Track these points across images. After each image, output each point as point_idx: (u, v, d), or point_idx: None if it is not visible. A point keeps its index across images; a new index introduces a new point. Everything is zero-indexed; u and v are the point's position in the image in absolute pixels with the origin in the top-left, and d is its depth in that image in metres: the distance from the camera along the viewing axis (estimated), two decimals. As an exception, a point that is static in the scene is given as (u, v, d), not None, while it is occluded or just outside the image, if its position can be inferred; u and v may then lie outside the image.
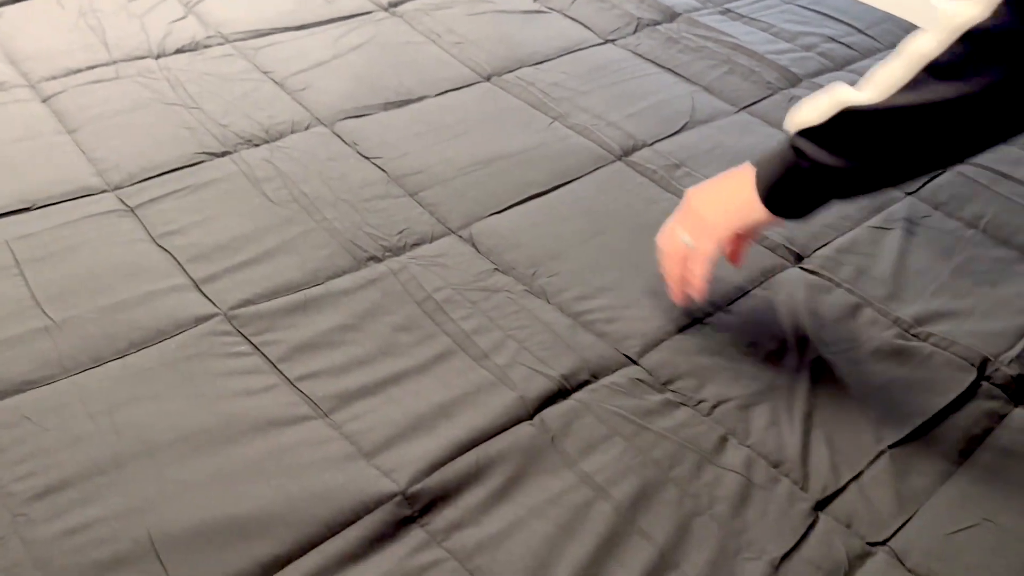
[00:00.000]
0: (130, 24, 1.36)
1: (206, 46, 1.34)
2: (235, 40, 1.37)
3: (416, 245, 1.02)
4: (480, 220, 1.06)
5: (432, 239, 1.03)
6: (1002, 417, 0.87)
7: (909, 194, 1.19)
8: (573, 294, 0.96)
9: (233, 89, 1.24)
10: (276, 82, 1.28)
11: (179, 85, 1.23)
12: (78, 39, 1.30)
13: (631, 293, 0.97)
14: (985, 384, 0.90)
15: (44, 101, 1.17)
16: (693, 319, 0.94)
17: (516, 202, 1.10)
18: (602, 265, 1.01)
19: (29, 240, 0.93)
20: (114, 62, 1.26)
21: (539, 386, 0.83)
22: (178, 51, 1.32)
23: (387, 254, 0.99)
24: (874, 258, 1.06)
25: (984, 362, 0.92)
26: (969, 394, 0.88)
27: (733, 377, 0.88)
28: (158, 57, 1.30)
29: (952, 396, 0.88)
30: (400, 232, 1.03)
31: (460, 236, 1.04)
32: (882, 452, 0.81)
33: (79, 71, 1.23)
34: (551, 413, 0.81)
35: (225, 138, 1.14)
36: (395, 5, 1.54)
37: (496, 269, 0.99)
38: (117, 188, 1.04)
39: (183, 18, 1.40)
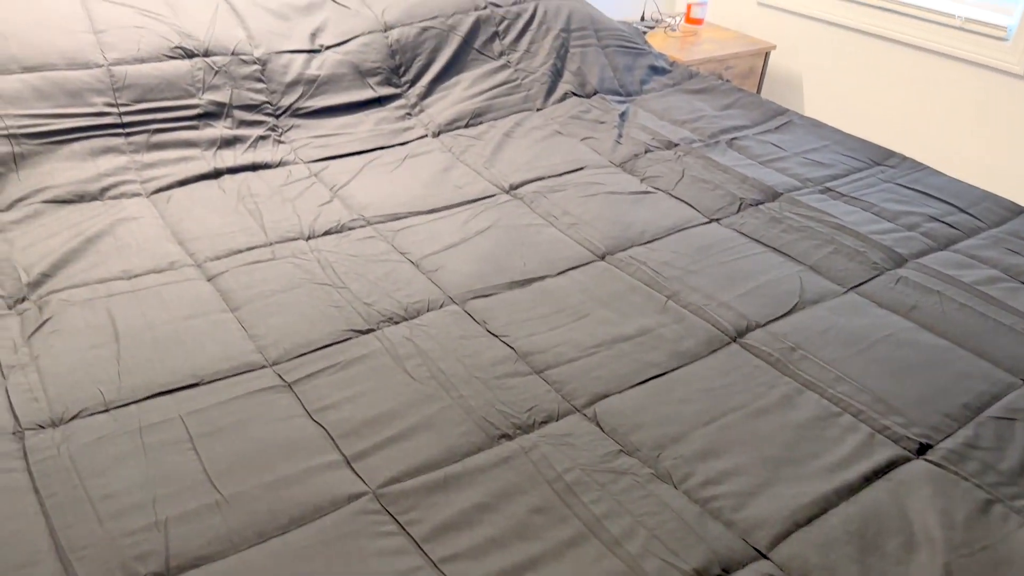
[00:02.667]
0: (283, 208, 1.52)
1: (350, 228, 1.49)
2: (376, 223, 1.51)
3: (544, 423, 1.08)
4: (603, 399, 1.12)
5: (559, 417, 1.09)
6: None
7: (1028, 381, 1.19)
8: (699, 479, 1.00)
9: (375, 269, 1.36)
10: (412, 263, 1.40)
11: (328, 266, 1.36)
12: (238, 222, 1.47)
13: (755, 479, 1.00)
14: None
15: (210, 280, 1.32)
16: (818, 509, 0.96)
17: (637, 382, 1.15)
18: (725, 449, 1.04)
19: (200, 415, 1.03)
20: (270, 244, 1.41)
21: (671, 577, 0.86)
22: (326, 233, 1.47)
23: (518, 432, 1.06)
24: (1001, 452, 1.06)
25: None
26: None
27: (862, 572, 0.88)
28: (308, 239, 1.45)
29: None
30: (529, 410, 1.09)
31: (585, 415, 1.10)
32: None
33: (240, 252, 1.39)
34: (685, 606, 0.84)
35: (369, 316, 1.25)
36: (515, 188, 1.68)
37: (622, 450, 1.04)
38: (275, 364, 1.15)
39: (329, 202, 1.56)
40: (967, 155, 2.48)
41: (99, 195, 1.50)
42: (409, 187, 1.64)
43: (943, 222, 1.65)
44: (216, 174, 1.62)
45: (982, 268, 1.49)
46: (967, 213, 1.69)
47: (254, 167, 1.66)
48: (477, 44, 2.05)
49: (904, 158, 1.92)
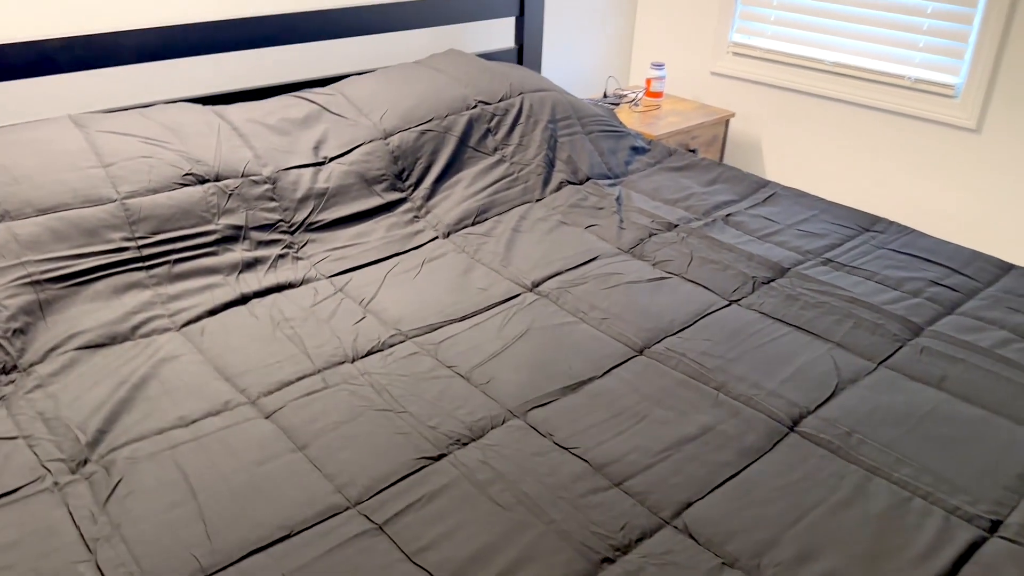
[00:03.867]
0: (321, 330, 1.52)
1: (391, 345, 1.49)
2: (414, 336, 1.52)
3: (640, 540, 1.09)
4: (689, 508, 1.14)
5: (652, 532, 1.11)
6: None
7: (1071, 445, 1.27)
8: (803, 584, 1.02)
9: (430, 388, 1.37)
10: (463, 376, 1.41)
11: (383, 389, 1.36)
12: (281, 350, 1.46)
13: (855, 574, 1.03)
14: None
15: (268, 418, 1.30)
16: (923, 603, 1.00)
17: (716, 486, 1.18)
18: (819, 550, 1.07)
19: (304, 572, 1.02)
20: (319, 371, 1.41)
21: None
22: (369, 353, 1.47)
23: (617, 553, 1.07)
24: (1069, 522, 1.12)
25: None
26: None
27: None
28: (354, 360, 1.44)
29: None
30: (622, 528, 1.11)
31: (676, 527, 1.12)
32: None
33: (291, 383, 1.37)
34: None
35: (437, 440, 1.25)
36: (538, 285, 1.71)
37: (723, 563, 1.06)
38: (358, 503, 1.14)
39: (363, 319, 1.57)
40: (929, 208, 2.63)
41: (130, 334, 1.47)
42: (435, 294, 1.65)
43: (943, 285, 1.74)
44: (243, 300, 1.60)
45: (992, 329, 1.58)
46: (962, 274, 1.79)
47: (279, 288, 1.65)
48: (472, 142, 2.10)
49: (890, 223, 2.03)
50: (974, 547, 1.09)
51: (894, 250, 1.90)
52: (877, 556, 1.07)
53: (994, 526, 1.13)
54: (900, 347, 1.53)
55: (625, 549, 1.08)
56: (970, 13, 2.41)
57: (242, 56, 2.20)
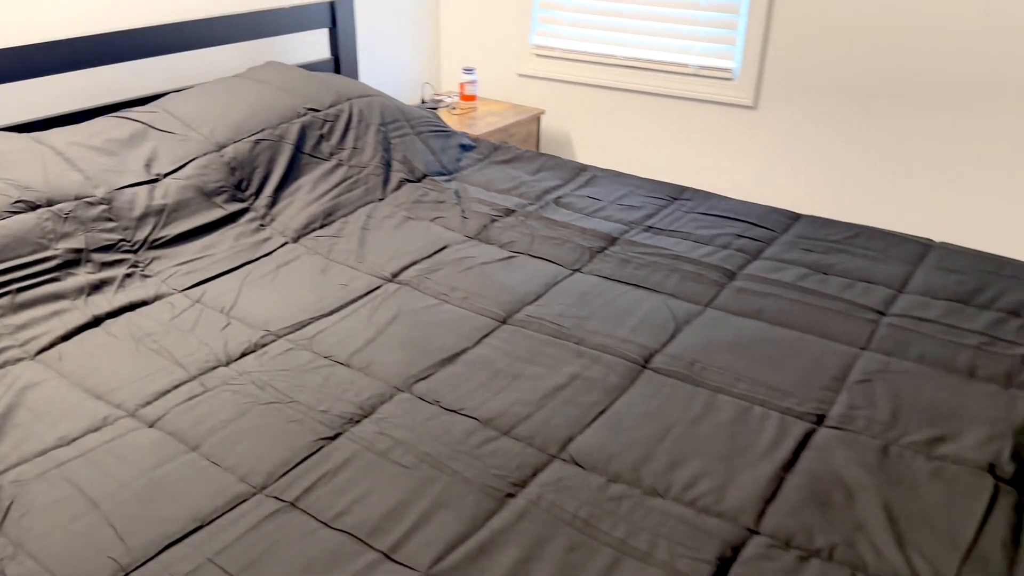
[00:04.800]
0: (187, 340, 1.51)
1: (263, 345, 1.52)
2: (285, 335, 1.55)
3: (534, 475, 1.21)
4: (571, 442, 1.27)
5: (544, 467, 1.22)
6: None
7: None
8: (679, 487, 1.18)
9: (313, 378, 1.41)
10: (342, 363, 1.46)
11: (265, 385, 1.39)
12: (149, 363, 1.44)
13: (720, 475, 1.20)
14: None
15: (152, 426, 1.29)
16: (775, 484, 1.18)
17: (590, 421, 1.32)
18: (685, 457, 1.24)
19: (228, 553, 1.04)
20: (195, 377, 1.41)
21: (705, 573, 1.03)
22: (243, 354, 1.48)
23: (517, 488, 1.18)
24: (874, 407, 1.36)
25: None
26: (991, 491, 1.17)
27: (827, 522, 1.11)
28: (228, 364, 1.46)
29: (982, 495, 1.15)
30: (517, 468, 1.22)
31: (563, 460, 1.24)
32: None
33: (168, 391, 1.37)
34: (722, 586, 1.01)
35: (331, 422, 1.30)
36: (397, 275, 1.79)
37: (609, 480, 1.19)
38: (264, 488, 1.17)
39: (228, 324, 1.57)
40: (724, 174, 2.96)
41: (-20, 368, 1.40)
42: (298, 294, 1.69)
43: (747, 237, 2.00)
44: (96, 322, 1.56)
45: (792, 267, 1.85)
46: (761, 226, 2.06)
47: (132, 307, 1.62)
48: (307, 149, 2.14)
49: (695, 191, 2.29)
50: (808, 436, 1.30)
51: (702, 213, 2.14)
52: (732, 455, 1.25)
53: (820, 419, 1.35)
54: (720, 290, 1.75)
55: (524, 484, 1.19)
56: (737, 4, 2.75)
57: (51, 81, 2.11)
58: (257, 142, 2.05)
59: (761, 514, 1.14)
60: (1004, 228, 2.52)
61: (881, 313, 1.66)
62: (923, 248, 1.94)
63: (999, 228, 2.52)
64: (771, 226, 2.07)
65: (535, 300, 1.70)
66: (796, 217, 2.12)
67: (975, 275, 1.80)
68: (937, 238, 2.61)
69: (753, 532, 1.11)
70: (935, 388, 1.42)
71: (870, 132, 2.64)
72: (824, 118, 2.71)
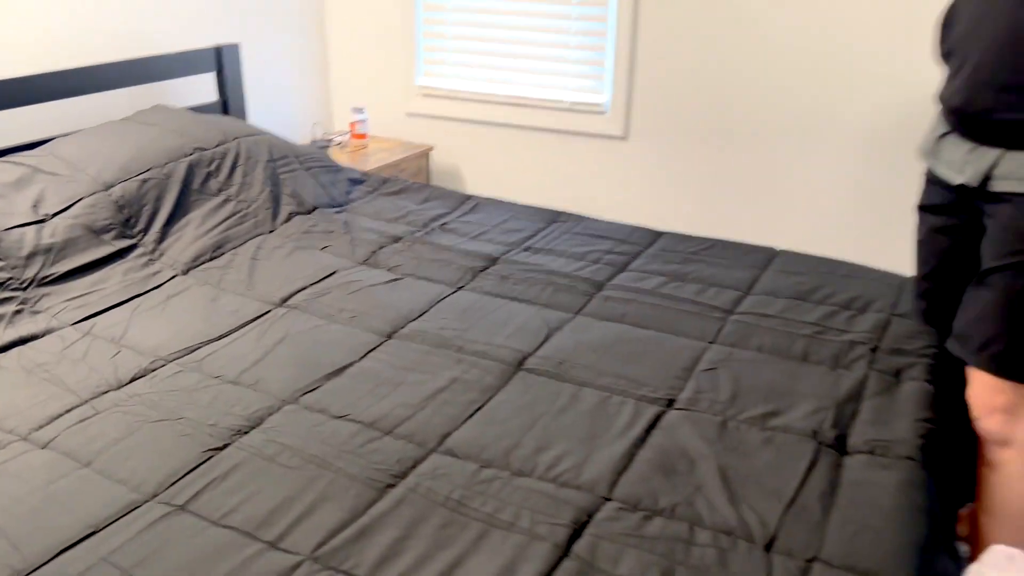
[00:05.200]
0: (77, 368, 1.56)
1: (153, 369, 1.58)
2: (175, 359, 1.62)
3: (413, 467, 1.32)
4: (448, 437, 1.39)
5: (422, 460, 1.34)
6: (834, 459, 1.33)
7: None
8: (543, 467, 1.31)
9: (202, 397, 1.49)
10: (231, 382, 1.54)
11: (155, 405, 1.45)
12: (40, 391, 1.49)
13: (579, 454, 1.34)
14: (816, 443, 1.37)
15: (45, 448, 1.34)
16: (628, 458, 1.33)
17: (467, 418, 1.45)
18: (550, 442, 1.38)
19: (121, 552, 1.11)
20: (86, 401, 1.46)
21: (561, 535, 1.16)
22: (134, 379, 1.54)
23: (397, 479, 1.29)
24: (716, 391, 1.54)
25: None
26: (811, 451, 1.35)
27: (671, 487, 1.27)
28: (119, 388, 1.52)
29: (802, 455, 1.33)
30: (398, 461, 1.33)
31: (440, 452, 1.36)
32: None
33: (60, 415, 1.42)
34: (579, 547, 1.14)
35: (219, 434, 1.38)
36: (286, 300, 1.88)
37: (481, 466, 1.32)
38: (155, 496, 1.24)
39: (119, 353, 1.63)
40: (598, 199, 3.17)
41: None
42: (188, 322, 1.76)
43: (615, 253, 2.18)
44: (-15, 356, 1.59)
45: (653, 277, 2.03)
46: (627, 243, 2.25)
47: (22, 341, 1.66)
48: (195, 186, 2.21)
49: (570, 215, 2.47)
50: (658, 418, 1.46)
51: (576, 233, 2.32)
52: (592, 437, 1.39)
53: (670, 403, 1.51)
54: (589, 300, 1.92)
55: (403, 475, 1.30)
56: (602, 42, 2.98)
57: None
58: (144, 181, 2.12)
59: (614, 484, 1.28)
60: (839, 236, 2.79)
61: (729, 312, 1.86)
62: (769, 255, 2.16)
63: (835, 236, 2.80)
64: (637, 242, 2.26)
65: (419, 316, 1.82)
66: (659, 234, 2.32)
67: (813, 276, 2.02)
68: (782, 247, 2.86)
69: (606, 499, 1.25)
70: (772, 372, 1.60)
71: (726, 157, 2.89)
72: (686, 146, 2.95)
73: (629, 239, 2.28)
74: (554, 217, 2.44)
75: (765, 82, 2.76)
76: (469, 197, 2.59)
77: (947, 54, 1.52)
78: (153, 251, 2.04)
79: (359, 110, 3.26)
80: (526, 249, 2.21)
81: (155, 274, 1.97)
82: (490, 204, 2.54)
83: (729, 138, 2.87)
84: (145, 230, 2.07)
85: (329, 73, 3.50)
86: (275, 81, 3.21)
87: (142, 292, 1.89)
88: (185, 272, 2.00)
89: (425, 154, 3.31)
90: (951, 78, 1.49)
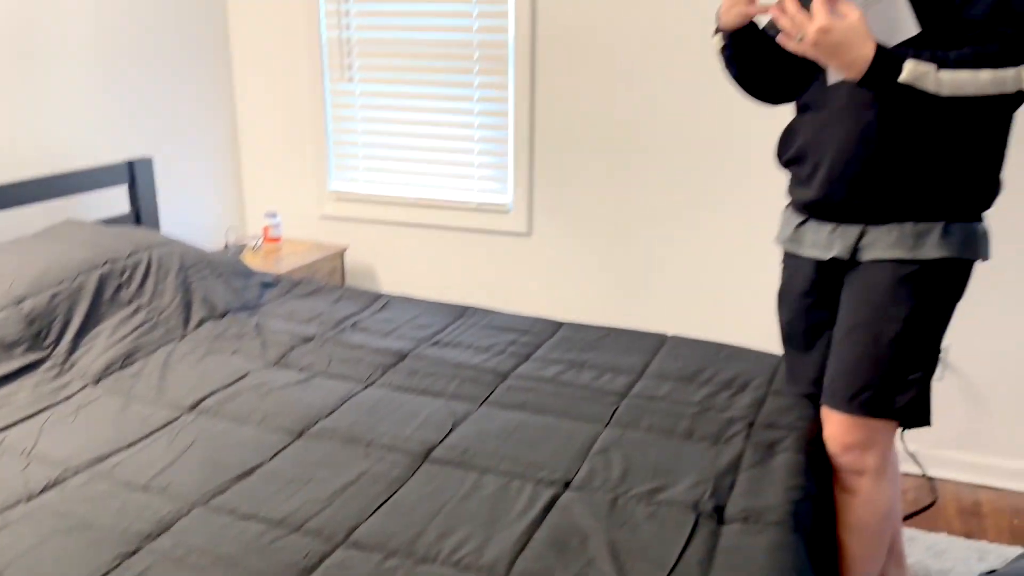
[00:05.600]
0: (-16, 483, 1.58)
1: (63, 480, 1.61)
2: (86, 468, 1.65)
3: (323, 560, 1.38)
4: (356, 530, 1.46)
5: (331, 552, 1.40)
6: (713, 527, 1.46)
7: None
8: (447, 551, 1.40)
9: (111, 503, 1.52)
10: (141, 488, 1.58)
11: (65, 515, 1.48)
12: (-55, 508, 1.49)
13: (482, 536, 1.43)
14: (697, 514, 1.49)
15: (-50, 564, 1.35)
16: (526, 537, 1.42)
17: (375, 510, 1.52)
18: (454, 527, 1.46)
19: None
20: (-5, 515, 1.48)
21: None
22: (44, 490, 1.57)
23: (305, 575, 1.35)
24: (608, 471, 1.65)
25: (691, 502, 1.52)
26: (692, 522, 1.47)
27: (564, 563, 1.36)
28: (29, 500, 1.54)
29: (684, 526, 1.45)
30: (305, 555, 1.39)
31: (347, 546, 1.43)
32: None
33: (-35, 532, 1.43)
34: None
35: (129, 539, 1.41)
36: (196, 406, 1.93)
37: (385, 557, 1.39)
38: (64, 605, 1.27)
39: (28, 465, 1.65)
40: (504, 293, 3.32)
41: None
42: (98, 431, 1.79)
43: (519, 344, 2.32)
44: None
45: (554, 366, 2.16)
46: (531, 333, 2.39)
47: (-74, 458, 1.66)
48: (106, 297, 2.26)
49: (476, 309, 2.60)
50: (555, 499, 1.56)
51: (482, 327, 2.45)
52: (493, 520, 1.48)
53: (566, 484, 1.62)
54: (494, 389, 2.03)
55: (311, 570, 1.36)
56: (503, 148, 3.19)
57: None
58: (55, 295, 2.16)
59: (512, 564, 1.37)
60: (724, 321, 3.01)
61: (622, 395, 2.00)
62: (659, 341, 2.33)
63: (720, 321, 3.01)
64: (539, 333, 2.40)
65: (329, 414, 1.90)
66: (560, 324, 2.47)
67: (698, 358, 2.19)
68: (672, 332, 3.05)
69: (506, 578, 1.34)
70: (659, 450, 1.74)
71: (622, 249, 3.10)
72: (585, 240, 3.15)
73: (532, 330, 2.42)
74: (462, 312, 2.57)
75: (655, 179, 3.00)
76: (380, 296, 2.70)
77: (794, 160, 1.74)
78: (64, 363, 2.07)
79: (272, 215, 3.37)
80: (435, 344, 2.32)
81: (65, 385, 2.00)
82: (401, 302, 2.66)
83: (624, 231, 3.09)
84: (56, 342, 2.10)
85: (242, 179, 3.61)
86: (188, 190, 3.30)
87: (52, 404, 1.92)
88: (96, 382, 2.03)
89: (339, 255, 3.42)
90: (805, 179, 1.70)
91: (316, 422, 1.86)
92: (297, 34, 3.36)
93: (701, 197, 2.95)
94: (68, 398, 1.95)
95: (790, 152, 1.75)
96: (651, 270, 3.09)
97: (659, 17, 2.86)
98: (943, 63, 1.39)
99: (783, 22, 1.43)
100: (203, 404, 1.93)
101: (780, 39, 1.46)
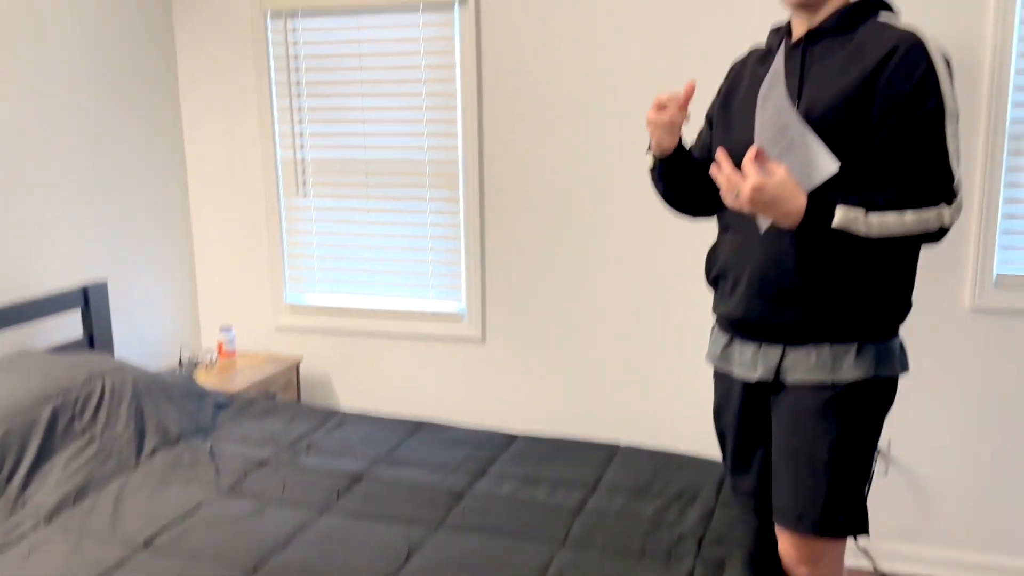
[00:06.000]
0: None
1: (12, 633, 1.58)
2: (35, 619, 1.62)
3: None
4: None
5: None
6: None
7: (560, 545, 1.87)
8: None
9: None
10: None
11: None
12: None
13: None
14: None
15: None
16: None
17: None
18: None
19: None
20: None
21: None
22: (-9, 646, 1.54)
23: None
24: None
25: None
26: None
27: None
28: (-25, 658, 1.51)
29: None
30: None
31: None
32: None
33: None
34: None
35: None
36: (149, 543, 1.92)
37: None
38: None
39: (-25, 618, 1.62)
40: (460, 402, 3.36)
41: None
42: (52, 573, 1.77)
43: (474, 458, 2.35)
44: None
45: (509, 482, 2.20)
46: (485, 448, 2.43)
47: None
48: (59, 430, 2.26)
49: (432, 424, 2.64)
50: (510, 630, 1.58)
51: (437, 443, 2.48)
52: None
53: (521, 613, 1.64)
54: (449, 512, 2.06)
55: None
56: (456, 259, 3.29)
57: None
58: (7, 431, 2.15)
59: None
60: (676, 424, 3.08)
61: (577, 511, 2.04)
62: (611, 451, 2.39)
63: (672, 424, 3.09)
64: (494, 447, 2.44)
65: (284, 547, 1.90)
66: (514, 437, 2.52)
67: (649, 469, 2.25)
68: (625, 437, 3.11)
69: None
70: (613, 569, 1.77)
71: (574, 354, 3.19)
72: (538, 344, 3.23)
73: (487, 444, 2.46)
74: (416, 427, 2.61)
75: (606, 286, 3.11)
76: (335, 413, 2.73)
77: (717, 278, 1.84)
78: (16, 500, 2.05)
79: (227, 329, 3.39)
80: (390, 463, 2.35)
81: (18, 525, 1.97)
82: (355, 419, 2.69)
83: (576, 336, 3.18)
84: (8, 479, 2.08)
85: (198, 293, 3.64)
86: (143, 308, 3.32)
87: (5, 544, 1.89)
88: (48, 520, 2.01)
89: (294, 367, 3.44)
90: (727, 295, 1.80)
91: (271, 556, 1.86)
92: (253, 154, 3.46)
93: (651, 304, 3.07)
94: (21, 538, 1.93)
95: (714, 270, 1.85)
96: (603, 374, 3.17)
97: (599, 136, 3.02)
98: (871, 206, 1.50)
99: (720, 180, 1.54)
100: (157, 541, 1.92)
101: (722, 195, 1.56)
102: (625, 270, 3.07)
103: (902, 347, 1.74)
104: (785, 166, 1.51)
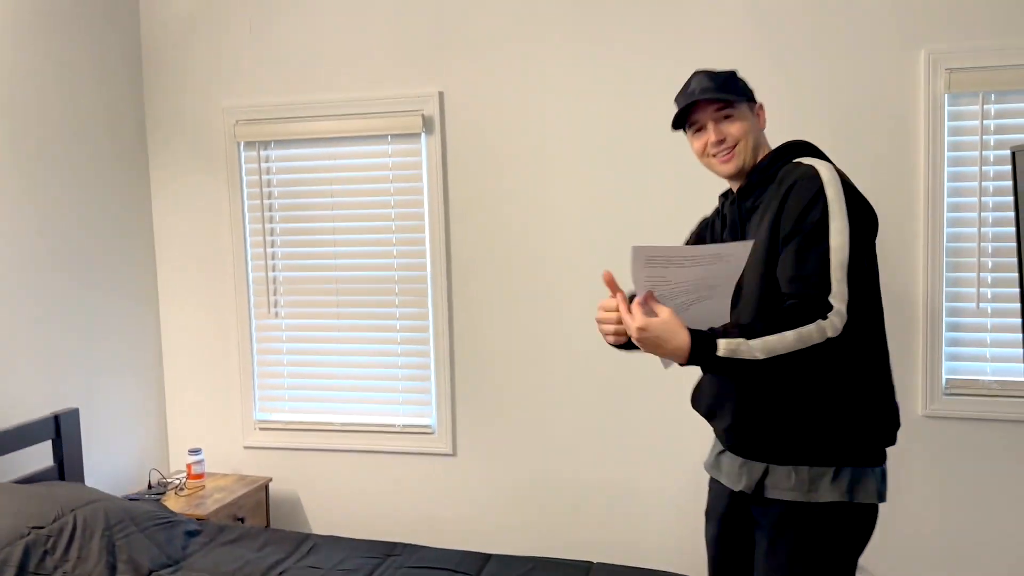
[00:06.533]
0: None
1: None
2: None
3: None
4: None
5: None
6: None
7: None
8: None
9: None
10: None
11: None
12: None
13: None
14: None
15: None
16: None
17: None
18: None
19: None
20: None
21: None
22: None
23: None
24: None
25: None
26: None
27: None
28: None
29: None
30: None
31: None
32: None
33: None
34: None
35: None
36: None
37: None
38: None
39: None
40: (433, 518, 3.37)
41: None
42: None
43: (448, 584, 2.37)
44: None
45: (483, 608, 2.21)
46: (458, 572, 2.44)
47: None
48: (31, 568, 2.23)
49: (405, 545, 2.65)
50: None
51: (410, 567, 2.49)
52: None
53: None
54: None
55: None
56: (427, 374, 3.36)
57: None
58: (-25, 572, 2.13)
59: None
60: (647, 540, 3.12)
61: (551, 638, 2.05)
62: (584, 569, 2.42)
63: (644, 541, 3.12)
64: (467, 570, 2.45)
65: None
66: (487, 557, 2.54)
67: (622, 588, 2.28)
68: (597, 555, 3.13)
69: None
70: None
71: (545, 466, 3.23)
72: (509, 456, 3.27)
73: (460, 567, 2.47)
74: (389, 550, 2.61)
75: (575, 399, 3.19)
76: (307, 537, 2.73)
77: (703, 406, 1.93)
78: (-20, 647, 2.01)
79: (195, 451, 3.39)
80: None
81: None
82: (327, 543, 2.68)
83: (546, 449, 3.23)
84: (-28, 625, 2.05)
85: (167, 415, 3.64)
86: (112, 432, 3.32)
87: None
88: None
89: (264, 487, 3.43)
90: (717, 417, 1.88)
91: None
92: (225, 275, 3.54)
93: (625, 418, 3.14)
94: None
95: (702, 408, 1.93)
96: (574, 488, 3.21)
97: (561, 249, 3.16)
98: (751, 333, 1.59)
99: (624, 319, 1.63)
100: None
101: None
102: (598, 382, 3.16)
103: (882, 475, 1.75)
104: (671, 310, 1.60)
